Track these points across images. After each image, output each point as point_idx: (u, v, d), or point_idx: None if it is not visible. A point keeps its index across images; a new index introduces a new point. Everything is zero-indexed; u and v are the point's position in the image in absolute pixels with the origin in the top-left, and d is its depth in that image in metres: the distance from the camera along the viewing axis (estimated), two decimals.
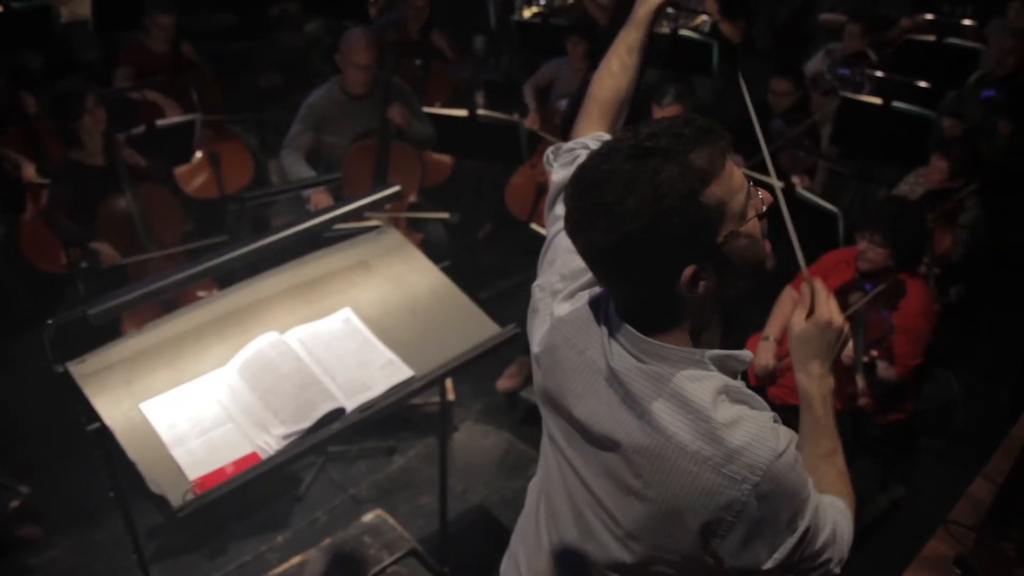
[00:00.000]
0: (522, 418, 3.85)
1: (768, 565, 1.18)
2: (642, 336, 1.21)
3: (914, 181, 4.15)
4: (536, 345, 1.38)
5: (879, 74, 4.97)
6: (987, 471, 2.06)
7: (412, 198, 4.22)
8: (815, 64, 5.52)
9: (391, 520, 3.01)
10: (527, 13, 6.76)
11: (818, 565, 1.25)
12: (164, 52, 4.72)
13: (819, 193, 4.26)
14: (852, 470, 3.45)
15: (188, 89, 4.49)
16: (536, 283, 1.44)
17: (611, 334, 1.25)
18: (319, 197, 3.92)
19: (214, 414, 2.02)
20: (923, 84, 4.79)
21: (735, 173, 1.17)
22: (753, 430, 1.15)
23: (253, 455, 1.95)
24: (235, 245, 2.16)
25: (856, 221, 3.34)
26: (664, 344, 1.20)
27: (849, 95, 4.48)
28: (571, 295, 1.36)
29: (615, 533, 1.28)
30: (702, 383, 1.18)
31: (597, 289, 1.34)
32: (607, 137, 1.53)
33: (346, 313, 2.31)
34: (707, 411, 1.15)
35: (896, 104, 4.16)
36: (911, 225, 3.15)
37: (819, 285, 1.36)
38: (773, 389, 3.14)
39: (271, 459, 1.94)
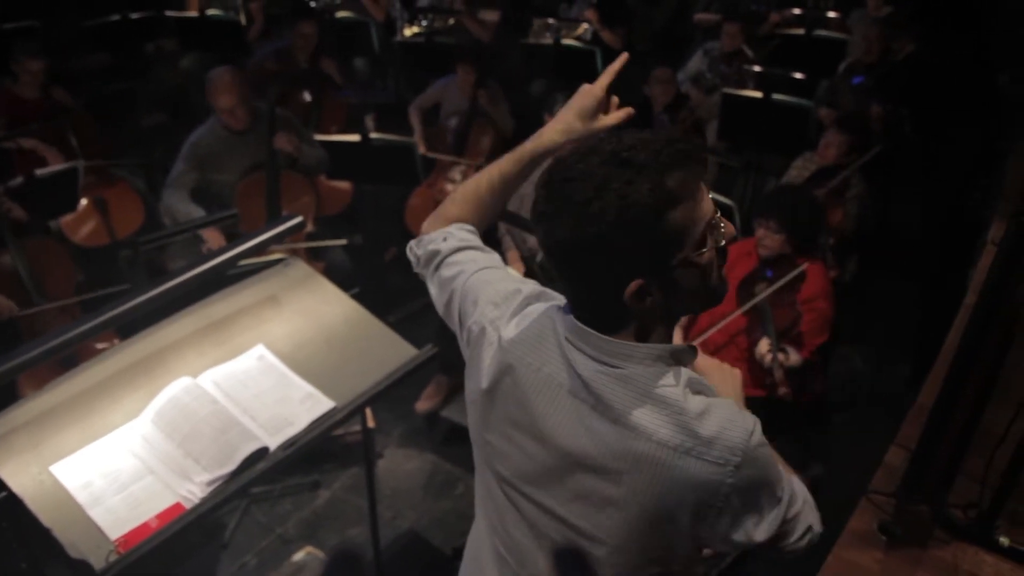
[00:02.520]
0: (444, 438, 3.83)
1: (760, 538, 1.22)
2: (603, 337, 1.22)
3: (802, 165, 4.33)
4: (485, 379, 1.34)
5: (757, 69, 5.17)
6: (899, 439, 2.15)
7: (310, 228, 4.16)
8: (695, 64, 5.70)
9: (322, 555, 2.95)
10: (409, 33, 6.76)
11: (801, 535, 1.29)
12: (35, 98, 4.54)
13: (711, 188, 4.39)
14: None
15: (66, 135, 4.32)
16: (468, 324, 1.40)
17: (570, 343, 1.25)
18: (212, 236, 3.83)
19: (132, 468, 1.94)
20: (798, 75, 5.03)
21: (705, 201, 1.18)
22: (725, 415, 1.18)
23: (177, 506, 1.88)
24: (137, 291, 2.09)
25: (752, 210, 3.45)
26: (626, 342, 1.21)
27: (731, 91, 4.65)
28: (514, 315, 1.35)
29: (597, 554, 1.28)
30: (670, 378, 1.20)
31: (541, 305, 1.34)
32: (469, 227, 1.52)
33: (259, 350, 2.26)
34: (680, 404, 1.18)
35: (775, 96, 4.35)
36: (803, 209, 3.30)
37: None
38: None
39: (197, 507, 1.88)
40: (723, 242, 1.21)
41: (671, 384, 1.20)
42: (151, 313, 2.20)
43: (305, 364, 2.27)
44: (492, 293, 1.38)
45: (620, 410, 1.19)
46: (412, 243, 1.56)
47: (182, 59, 6.17)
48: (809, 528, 1.30)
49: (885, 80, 5.01)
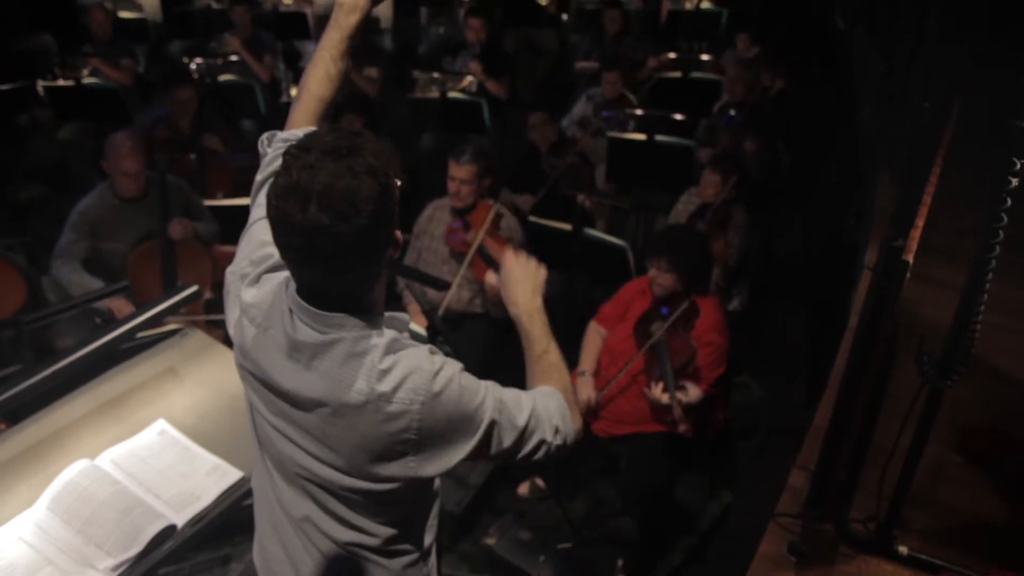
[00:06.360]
0: None
1: (456, 460, 1.46)
2: (321, 312, 1.40)
3: (687, 200, 4.50)
4: (231, 327, 1.57)
5: (639, 112, 5.36)
6: (800, 461, 2.23)
7: (208, 295, 4.07)
8: (580, 109, 5.87)
9: None
10: (295, 93, 6.74)
11: (532, 448, 1.54)
12: None
13: (604, 229, 4.52)
14: (680, 485, 3.59)
15: None
16: (230, 268, 1.61)
17: (292, 313, 1.44)
18: (119, 305, 3.71)
19: (27, 560, 1.84)
20: (678, 116, 5.24)
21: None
22: (411, 362, 1.41)
23: None
24: (25, 374, 2.01)
25: (644, 249, 3.56)
26: (340, 315, 1.40)
27: (616, 135, 4.80)
28: (256, 279, 1.55)
29: (336, 480, 1.48)
30: (371, 341, 1.41)
31: (279, 275, 1.52)
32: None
33: (160, 425, 2.20)
34: (374, 360, 1.40)
35: (658, 137, 4.52)
36: (690, 247, 3.41)
37: (500, 250, 1.67)
38: (597, 424, 3.24)
39: None
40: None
41: (371, 346, 1.40)
42: (42, 395, 2.12)
43: (209, 435, 2.21)
44: (253, 250, 1.60)
45: (327, 368, 1.41)
46: (265, 136, 1.76)
47: (60, 129, 6.00)
48: (540, 443, 1.53)
49: (756, 116, 5.27)
